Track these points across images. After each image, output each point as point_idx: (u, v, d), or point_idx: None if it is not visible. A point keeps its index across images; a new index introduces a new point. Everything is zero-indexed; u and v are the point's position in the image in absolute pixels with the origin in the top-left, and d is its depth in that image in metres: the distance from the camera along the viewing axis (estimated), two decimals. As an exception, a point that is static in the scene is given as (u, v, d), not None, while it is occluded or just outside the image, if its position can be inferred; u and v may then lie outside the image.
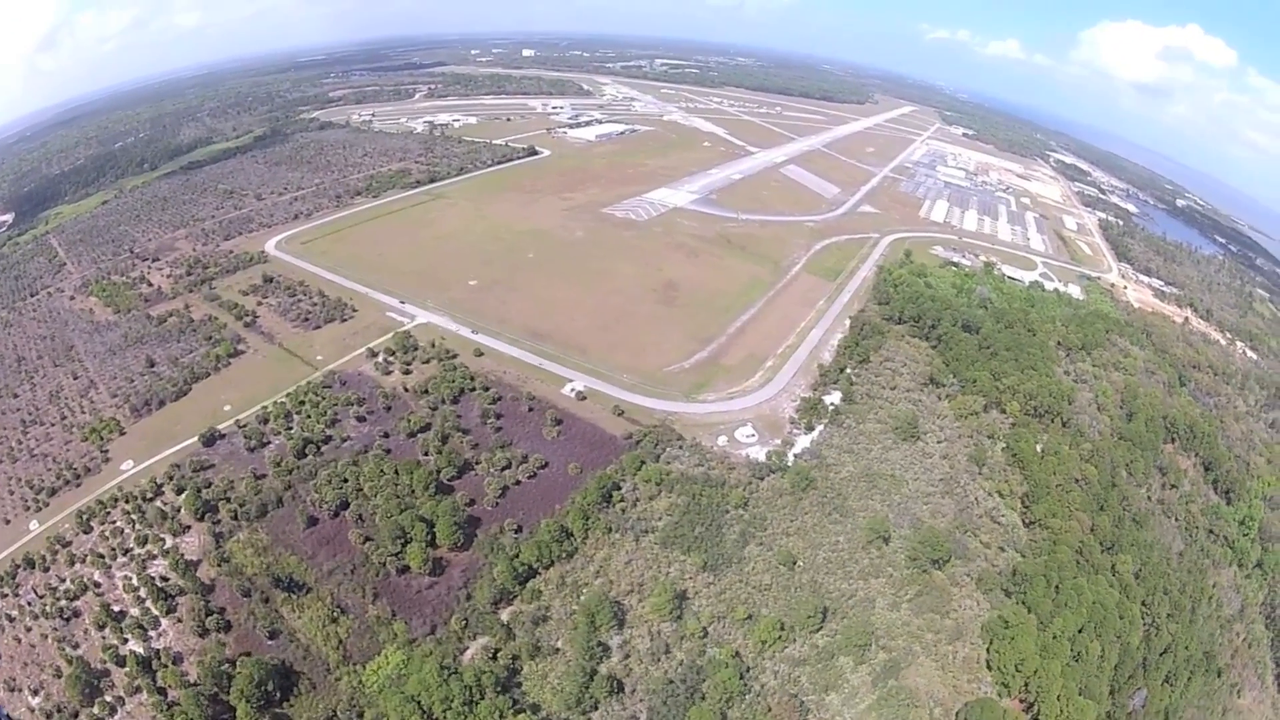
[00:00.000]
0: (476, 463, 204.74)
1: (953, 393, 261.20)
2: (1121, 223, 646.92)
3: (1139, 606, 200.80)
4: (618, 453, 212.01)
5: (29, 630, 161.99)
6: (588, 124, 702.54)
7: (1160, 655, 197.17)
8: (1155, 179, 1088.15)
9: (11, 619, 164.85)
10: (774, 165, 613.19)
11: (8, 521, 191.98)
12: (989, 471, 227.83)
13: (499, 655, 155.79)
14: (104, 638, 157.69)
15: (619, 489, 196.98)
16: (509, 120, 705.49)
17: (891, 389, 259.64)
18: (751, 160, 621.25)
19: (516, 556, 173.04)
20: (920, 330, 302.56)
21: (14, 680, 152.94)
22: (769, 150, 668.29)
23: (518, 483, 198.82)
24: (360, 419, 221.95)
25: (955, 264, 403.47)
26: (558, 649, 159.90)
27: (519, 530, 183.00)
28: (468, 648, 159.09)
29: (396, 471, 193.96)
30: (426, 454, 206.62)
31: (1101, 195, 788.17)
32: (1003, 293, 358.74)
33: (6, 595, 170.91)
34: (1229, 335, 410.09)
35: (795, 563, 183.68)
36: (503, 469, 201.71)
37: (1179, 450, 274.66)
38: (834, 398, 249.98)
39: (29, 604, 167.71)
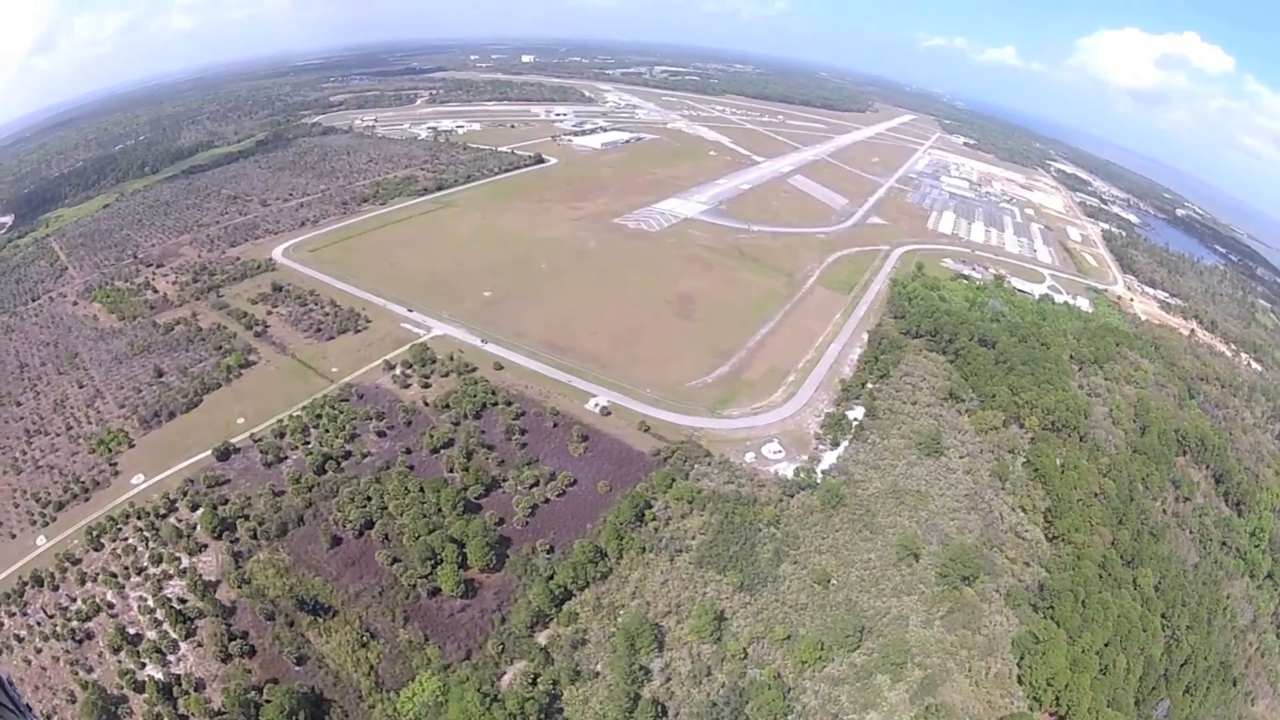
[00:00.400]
0: (503, 480, 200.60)
1: (972, 408, 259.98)
2: (1124, 234, 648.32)
3: (1159, 619, 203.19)
4: (646, 470, 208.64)
5: (39, 652, 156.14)
6: (592, 131, 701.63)
7: (1181, 666, 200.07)
8: (1154, 188, 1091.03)
9: (20, 639, 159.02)
10: (781, 175, 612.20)
11: (13, 536, 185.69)
12: (1011, 486, 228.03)
13: (539, 681, 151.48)
14: (120, 661, 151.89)
15: (650, 507, 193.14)
16: (513, 127, 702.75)
17: (912, 404, 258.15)
18: (758, 170, 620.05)
19: (551, 578, 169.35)
20: (937, 345, 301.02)
21: (25, 703, 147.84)
22: (775, 160, 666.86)
23: (547, 501, 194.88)
24: (380, 434, 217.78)
25: (966, 277, 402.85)
26: (598, 673, 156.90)
27: (551, 551, 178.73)
28: (505, 673, 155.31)
29: (422, 489, 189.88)
30: (451, 471, 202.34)
31: (1103, 205, 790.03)
32: (1014, 306, 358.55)
33: (14, 614, 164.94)
34: (1234, 346, 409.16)
35: (829, 581, 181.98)
36: (531, 487, 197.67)
37: (1190, 463, 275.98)
38: (857, 413, 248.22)
39: (38, 624, 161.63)
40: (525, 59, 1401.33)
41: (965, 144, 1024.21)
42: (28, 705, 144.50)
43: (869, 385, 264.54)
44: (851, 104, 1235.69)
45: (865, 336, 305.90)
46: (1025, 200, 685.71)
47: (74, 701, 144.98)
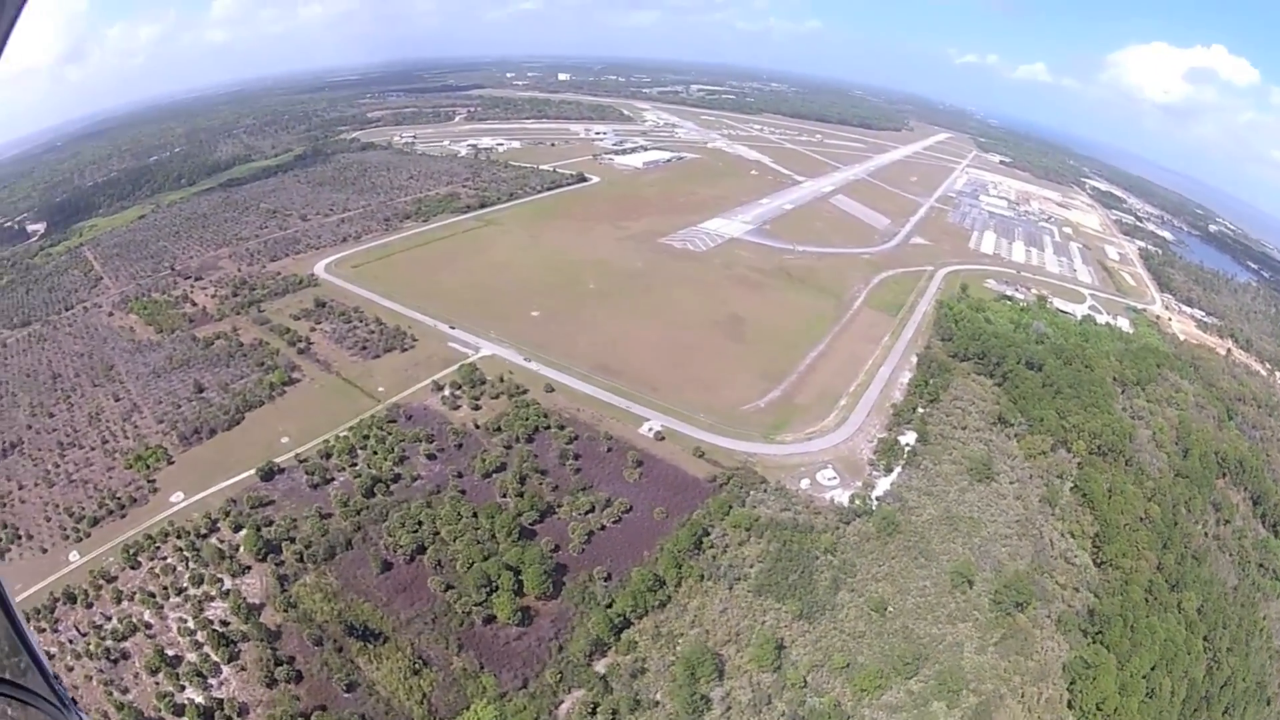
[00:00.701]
0: (558, 506, 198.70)
1: (1021, 432, 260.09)
2: (1160, 251, 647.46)
3: (1202, 642, 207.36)
4: (702, 496, 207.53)
5: (70, 670, 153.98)
6: (633, 150, 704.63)
7: (1221, 688, 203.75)
8: (1186, 204, 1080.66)
9: (51, 656, 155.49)
10: (823, 195, 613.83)
11: (45, 550, 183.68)
12: (1060, 512, 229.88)
13: (598, 710, 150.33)
14: (157, 683, 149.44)
15: (708, 534, 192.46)
16: (553, 145, 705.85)
17: (962, 429, 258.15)
18: (800, 190, 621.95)
19: (610, 606, 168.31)
20: (985, 368, 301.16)
21: (71, 697, 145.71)
22: (816, 180, 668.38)
23: (603, 527, 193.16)
24: (431, 457, 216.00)
25: (1010, 298, 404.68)
26: (658, 702, 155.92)
27: (609, 578, 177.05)
28: (563, 702, 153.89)
29: (475, 514, 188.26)
30: (504, 496, 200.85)
31: (1138, 223, 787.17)
32: (1058, 327, 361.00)
33: (44, 630, 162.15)
34: (1268, 365, 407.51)
35: (886, 608, 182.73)
36: (586, 513, 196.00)
37: (1230, 485, 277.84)
38: (909, 438, 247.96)
39: (70, 641, 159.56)
40: (561, 77, 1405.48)
41: (1001, 162, 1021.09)
42: (74, 699, 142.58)
43: (920, 410, 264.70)
44: (888, 123, 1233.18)
45: (914, 359, 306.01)
46: (1063, 219, 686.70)
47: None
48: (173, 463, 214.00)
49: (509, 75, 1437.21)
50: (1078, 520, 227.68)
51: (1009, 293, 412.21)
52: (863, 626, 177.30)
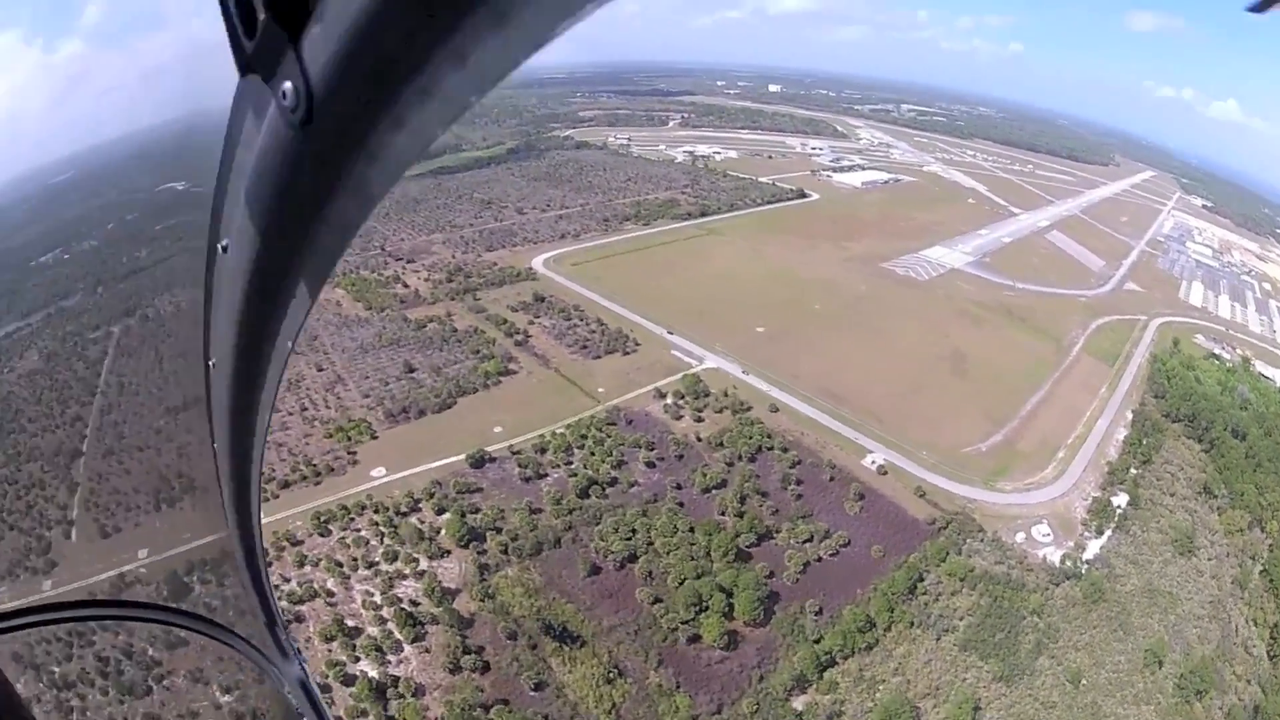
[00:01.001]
0: (776, 531, 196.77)
1: (1223, 505, 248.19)
2: None
3: None
4: (920, 538, 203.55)
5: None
6: (850, 169, 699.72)
7: None
8: None
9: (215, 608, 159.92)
10: (1038, 230, 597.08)
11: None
12: (1249, 597, 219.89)
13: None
14: (330, 651, 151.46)
15: (923, 580, 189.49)
16: (769, 158, 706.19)
17: (1171, 495, 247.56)
18: (1016, 222, 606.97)
19: (818, 642, 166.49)
20: (1194, 431, 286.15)
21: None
22: (1031, 213, 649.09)
23: (819, 559, 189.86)
24: (650, 465, 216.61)
25: (1217, 356, 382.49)
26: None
27: (819, 612, 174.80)
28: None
29: (692, 530, 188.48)
30: (723, 514, 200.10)
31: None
32: (1260, 394, 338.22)
33: (210, 582, 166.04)
34: None
35: (1080, 680, 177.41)
36: (804, 542, 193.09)
37: None
38: (1120, 500, 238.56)
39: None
40: (772, 88, 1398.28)
41: (1204, 206, 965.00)
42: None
43: (1133, 470, 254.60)
44: (1094, 156, 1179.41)
45: (1129, 415, 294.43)
46: (1261, 273, 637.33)
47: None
48: (376, 438, 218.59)
49: (719, 83, 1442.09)
50: (1262, 607, 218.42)
51: (1217, 351, 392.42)
52: (1055, 696, 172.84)
